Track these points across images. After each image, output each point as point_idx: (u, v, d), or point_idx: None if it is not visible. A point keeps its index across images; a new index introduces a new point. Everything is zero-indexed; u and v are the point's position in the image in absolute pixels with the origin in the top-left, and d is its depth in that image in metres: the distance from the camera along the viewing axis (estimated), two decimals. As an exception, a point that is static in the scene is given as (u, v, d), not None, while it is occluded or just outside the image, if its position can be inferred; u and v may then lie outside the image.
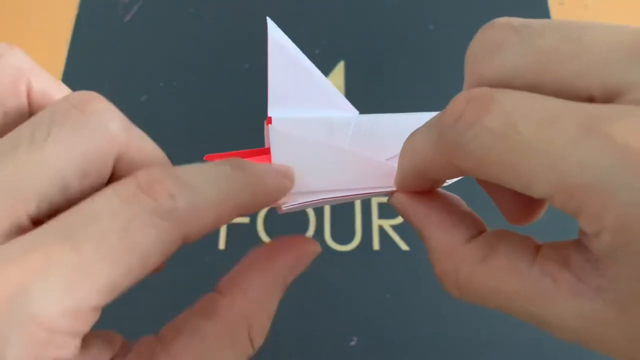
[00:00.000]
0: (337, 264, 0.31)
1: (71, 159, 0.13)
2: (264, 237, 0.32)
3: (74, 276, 0.12)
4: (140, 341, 0.15)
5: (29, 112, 0.16)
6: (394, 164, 0.17)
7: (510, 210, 0.16)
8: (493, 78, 0.13)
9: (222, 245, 0.32)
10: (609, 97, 0.11)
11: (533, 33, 0.13)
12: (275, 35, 0.18)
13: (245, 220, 0.33)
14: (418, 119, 0.16)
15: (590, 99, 0.12)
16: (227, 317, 0.16)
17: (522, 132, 0.11)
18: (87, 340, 0.14)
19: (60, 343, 0.12)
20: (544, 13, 0.39)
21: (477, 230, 0.15)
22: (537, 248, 0.14)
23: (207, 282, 0.33)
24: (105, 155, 0.14)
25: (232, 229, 0.32)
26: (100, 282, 0.12)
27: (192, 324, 0.16)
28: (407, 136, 0.16)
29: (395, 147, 0.17)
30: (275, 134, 0.18)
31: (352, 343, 0.30)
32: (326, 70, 0.37)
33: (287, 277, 0.18)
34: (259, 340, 0.16)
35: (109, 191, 0.13)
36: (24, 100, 0.15)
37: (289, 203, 0.17)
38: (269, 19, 0.18)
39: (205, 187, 0.14)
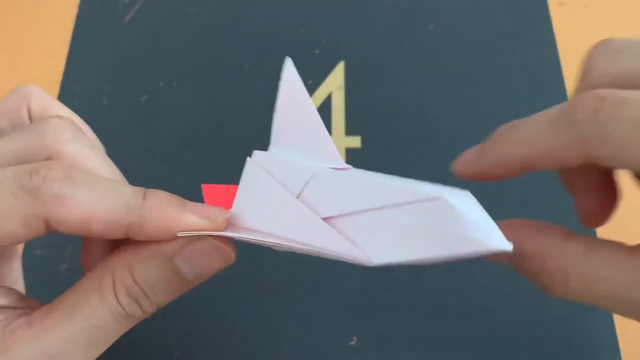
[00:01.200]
0: (337, 264, 0.31)
1: (7, 150, 0.17)
2: (264, 237, 0.32)
3: None
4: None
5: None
6: (335, 228, 0.17)
7: (589, 210, 0.18)
8: (616, 77, 0.15)
9: (222, 245, 0.32)
10: None
11: None
12: (290, 75, 0.18)
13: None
14: (392, 192, 0.16)
15: None
16: (97, 271, 0.17)
17: None
18: None
19: None
20: (544, 13, 0.39)
21: (565, 232, 0.16)
22: (630, 246, 0.15)
23: (207, 282, 0.33)
24: (32, 153, 0.18)
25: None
26: None
27: (76, 282, 0.18)
28: (370, 201, 0.16)
29: (344, 206, 0.17)
30: (250, 166, 0.18)
31: (352, 343, 0.30)
32: (326, 70, 0.37)
33: (171, 258, 0.18)
34: (124, 300, 0.17)
35: (10, 167, 0.17)
36: (24, 116, 0.20)
37: (229, 233, 0.18)
38: (288, 59, 0.18)
39: (85, 189, 0.16)
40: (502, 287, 0.31)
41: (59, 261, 0.32)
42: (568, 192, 0.19)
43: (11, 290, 0.18)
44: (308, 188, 0.17)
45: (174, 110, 0.36)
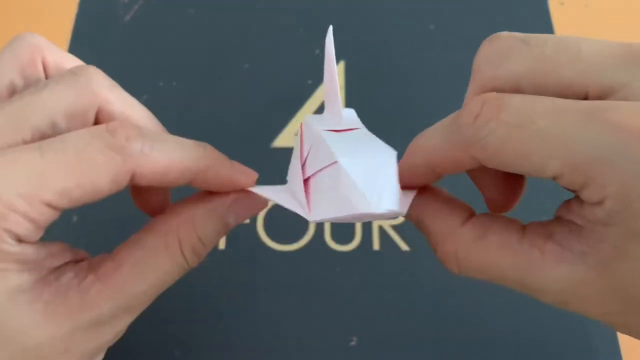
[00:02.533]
0: (337, 264, 0.31)
1: (58, 104, 0.18)
2: (264, 237, 0.32)
3: (35, 173, 0.16)
4: (97, 257, 0.19)
5: (45, 78, 0.20)
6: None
7: (494, 199, 0.19)
8: (502, 80, 0.15)
9: (222, 245, 0.32)
10: (602, 95, 0.14)
11: (537, 42, 0.15)
12: (330, 44, 0.20)
13: (246, 220, 0.33)
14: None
15: (586, 98, 0.14)
16: (161, 230, 0.19)
17: (536, 122, 0.13)
18: (52, 245, 0.18)
19: (15, 220, 0.16)
20: (544, 13, 0.39)
21: (468, 214, 0.18)
22: (523, 227, 0.16)
23: (207, 282, 0.33)
24: (86, 104, 0.19)
25: (233, 229, 0.32)
26: (54, 184, 0.16)
27: (135, 237, 0.19)
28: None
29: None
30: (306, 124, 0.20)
31: (352, 343, 0.30)
32: (326, 70, 0.37)
33: (225, 214, 0.20)
34: (190, 256, 0.19)
35: (83, 129, 0.18)
36: (40, 69, 0.20)
37: (255, 189, 0.20)
38: (331, 28, 0.20)
39: (160, 144, 0.18)
40: (501, 288, 0.31)
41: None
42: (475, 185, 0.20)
43: (63, 244, 0.19)
44: (311, 150, 0.19)
45: (173, 110, 0.36)
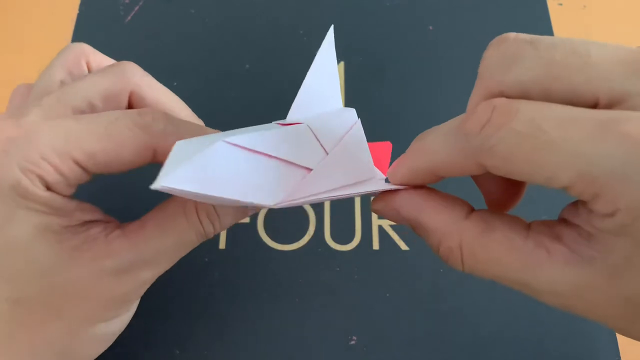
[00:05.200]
0: (337, 264, 0.32)
1: (95, 88, 0.21)
2: (264, 237, 0.32)
3: (68, 134, 0.19)
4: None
5: None
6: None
7: (495, 199, 0.19)
8: (511, 85, 0.15)
9: (222, 245, 0.32)
10: (612, 104, 0.13)
11: (546, 46, 0.14)
12: (328, 47, 0.20)
13: (246, 220, 0.33)
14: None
15: (595, 105, 0.14)
16: (181, 198, 0.21)
17: (548, 132, 0.13)
18: (83, 203, 0.21)
19: (46, 169, 0.19)
20: (544, 13, 0.39)
21: (468, 209, 0.17)
22: (527, 225, 0.16)
23: (208, 282, 0.33)
24: (119, 88, 0.22)
25: (233, 228, 0.32)
26: (83, 145, 0.19)
27: (160, 205, 0.21)
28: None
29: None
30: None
31: (352, 343, 0.30)
32: (326, 70, 0.37)
33: None
34: (205, 222, 0.21)
35: (116, 110, 0.21)
36: (84, 69, 0.24)
37: None
38: (332, 28, 0.20)
39: (183, 127, 0.20)
40: (501, 287, 0.31)
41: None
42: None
43: (95, 207, 0.21)
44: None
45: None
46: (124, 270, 0.20)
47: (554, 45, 0.14)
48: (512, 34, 0.16)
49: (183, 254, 0.22)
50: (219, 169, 0.16)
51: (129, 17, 0.40)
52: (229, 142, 0.17)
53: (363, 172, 0.19)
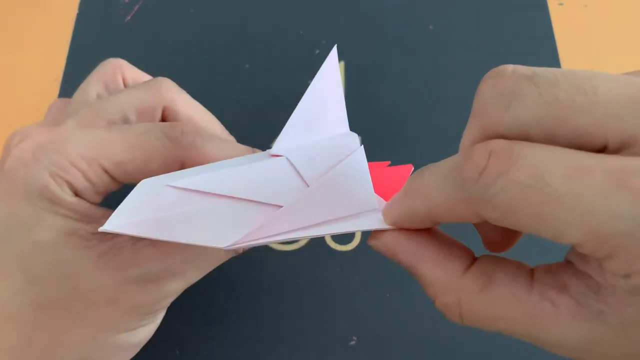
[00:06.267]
0: (337, 264, 0.32)
1: (130, 102, 0.22)
2: (264, 237, 0.32)
3: (99, 142, 0.19)
4: None
5: None
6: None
7: (492, 241, 0.17)
8: (509, 127, 0.13)
9: (222, 245, 0.32)
10: (622, 147, 0.12)
11: (547, 83, 0.13)
12: (331, 68, 0.19)
13: None
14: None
15: (603, 149, 0.12)
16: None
17: (552, 185, 0.12)
18: (111, 212, 0.19)
19: (75, 175, 0.19)
20: (544, 13, 0.39)
21: (469, 260, 0.16)
22: (531, 272, 0.15)
23: (207, 282, 0.33)
24: (153, 103, 0.22)
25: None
26: (113, 154, 0.19)
27: None
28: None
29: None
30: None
31: (352, 343, 0.30)
32: (326, 70, 0.37)
33: None
34: None
35: (150, 122, 0.22)
36: (120, 83, 0.24)
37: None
38: (335, 48, 0.19)
39: (213, 142, 0.20)
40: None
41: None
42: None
43: None
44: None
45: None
46: (150, 280, 0.20)
47: (556, 82, 0.13)
48: (510, 67, 0.14)
49: (211, 267, 0.22)
50: (164, 213, 0.17)
51: (129, 17, 0.40)
52: (174, 186, 0.17)
53: (357, 205, 0.17)
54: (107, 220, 0.16)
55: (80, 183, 0.19)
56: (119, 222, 0.16)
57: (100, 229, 0.16)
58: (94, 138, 0.20)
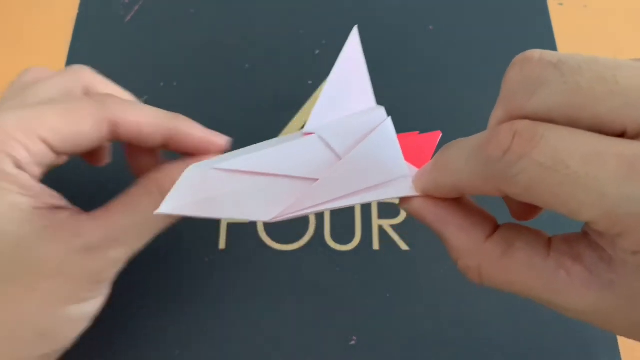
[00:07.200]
0: (337, 264, 0.32)
1: (53, 86, 0.24)
2: (264, 237, 0.32)
3: (32, 114, 0.21)
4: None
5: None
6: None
7: (518, 211, 0.19)
8: (534, 110, 0.14)
9: (222, 245, 0.32)
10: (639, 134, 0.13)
11: (571, 71, 0.14)
12: (354, 45, 0.20)
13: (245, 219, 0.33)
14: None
15: (622, 134, 0.13)
16: (142, 180, 0.23)
17: (571, 167, 0.13)
18: (52, 190, 0.22)
19: (13, 146, 0.20)
20: (544, 13, 0.39)
21: (492, 227, 0.17)
22: (548, 241, 0.16)
23: (208, 282, 0.33)
24: (73, 85, 0.24)
25: (233, 228, 0.32)
26: (47, 122, 0.21)
27: (124, 191, 0.23)
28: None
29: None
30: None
31: (352, 343, 0.30)
32: (326, 70, 0.37)
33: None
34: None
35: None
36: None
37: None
38: (355, 29, 0.20)
39: (135, 104, 0.23)
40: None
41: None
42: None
43: (63, 198, 0.22)
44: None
45: (174, 110, 0.36)
46: (94, 248, 0.21)
47: (579, 70, 0.14)
48: (537, 53, 0.15)
49: (152, 233, 0.23)
50: (212, 192, 0.18)
51: (129, 17, 0.40)
52: (219, 169, 0.18)
53: (388, 173, 0.19)
54: (162, 204, 0.18)
55: (20, 154, 0.20)
56: (173, 204, 0.18)
57: (156, 212, 0.18)
58: (27, 113, 0.21)
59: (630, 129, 0.13)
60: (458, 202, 0.18)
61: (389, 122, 0.19)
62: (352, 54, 0.20)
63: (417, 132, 0.20)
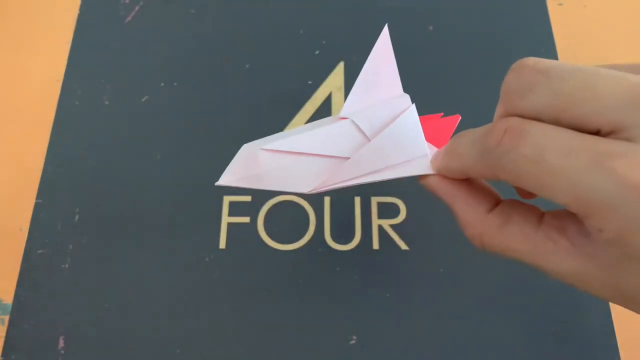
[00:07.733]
0: (337, 263, 0.32)
1: None
2: (264, 237, 0.32)
3: None
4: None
5: None
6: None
7: (521, 191, 0.21)
8: (526, 110, 0.17)
9: (222, 245, 0.32)
10: (612, 131, 0.16)
11: (557, 78, 0.17)
12: (385, 41, 0.23)
13: (246, 219, 0.33)
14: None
15: (597, 132, 0.16)
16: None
17: (548, 160, 0.16)
18: None
19: None
20: (543, 13, 0.39)
21: (494, 202, 0.20)
22: (541, 216, 0.19)
23: (208, 282, 0.33)
24: None
25: (232, 228, 0.32)
26: None
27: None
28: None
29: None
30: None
31: (352, 342, 0.30)
32: (326, 70, 0.37)
33: None
34: None
35: None
36: None
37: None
38: (386, 28, 0.23)
39: None
40: (501, 286, 0.31)
41: (60, 261, 0.32)
42: None
43: None
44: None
45: (174, 110, 0.36)
46: None
47: (563, 78, 0.17)
48: (531, 61, 0.18)
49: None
50: (260, 169, 0.21)
51: (129, 17, 0.40)
52: (267, 149, 0.22)
53: (411, 153, 0.21)
54: (221, 177, 0.22)
55: None
56: (229, 178, 0.22)
57: (216, 183, 0.21)
58: None
59: (603, 128, 0.16)
60: (468, 181, 0.21)
61: (413, 108, 0.21)
62: (383, 49, 0.23)
63: (442, 113, 0.23)
